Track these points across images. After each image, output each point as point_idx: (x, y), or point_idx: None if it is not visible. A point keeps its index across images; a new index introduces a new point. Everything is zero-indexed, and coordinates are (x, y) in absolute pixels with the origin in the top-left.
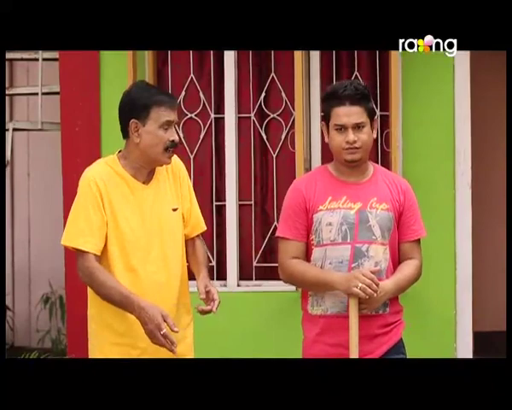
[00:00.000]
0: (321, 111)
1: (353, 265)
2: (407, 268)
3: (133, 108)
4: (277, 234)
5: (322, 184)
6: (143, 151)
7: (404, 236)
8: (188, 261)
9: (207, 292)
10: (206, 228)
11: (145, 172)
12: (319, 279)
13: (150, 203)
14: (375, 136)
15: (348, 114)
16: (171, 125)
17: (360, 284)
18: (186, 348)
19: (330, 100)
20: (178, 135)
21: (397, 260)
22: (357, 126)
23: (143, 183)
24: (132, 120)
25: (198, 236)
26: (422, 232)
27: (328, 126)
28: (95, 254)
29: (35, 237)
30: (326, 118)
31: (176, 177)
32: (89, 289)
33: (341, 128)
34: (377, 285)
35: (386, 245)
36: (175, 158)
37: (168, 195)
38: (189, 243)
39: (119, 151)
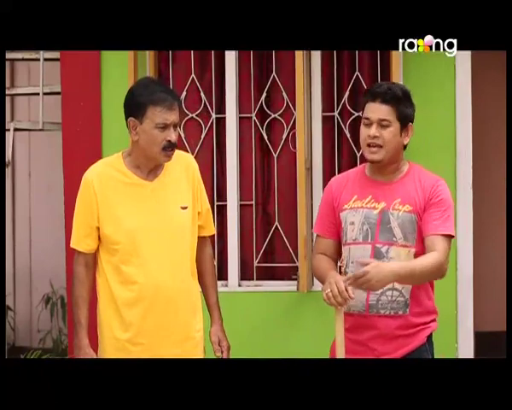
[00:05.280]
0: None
1: None
2: (421, 258)
3: (131, 106)
4: (313, 229)
5: (353, 182)
6: (142, 149)
7: (426, 230)
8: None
9: (219, 344)
10: (214, 232)
11: (146, 169)
12: (323, 277)
13: (154, 200)
14: (405, 142)
15: (375, 109)
16: (168, 127)
17: (328, 290)
18: (189, 349)
19: (366, 97)
20: (179, 134)
21: None
22: (382, 124)
23: (148, 180)
24: (130, 118)
25: (208, 242)
26: (446, 230)
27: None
28: (88, 253)
29: (36, 237)
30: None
31: (189, 175)
32: (97, 284)
33: (368, 123)
34: (346, 299)
35: (411, 247)
36: (190, 157)
37: (178, 192)
38: (198, 242)
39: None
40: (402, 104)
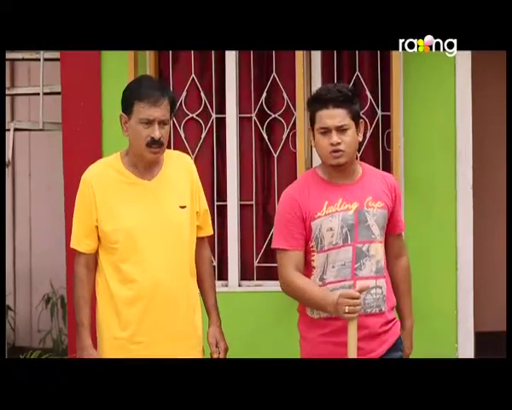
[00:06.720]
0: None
1: (356, 266)
2: (407, 285)
3: (122, 102)
4: (275, 245)
5: (316, 189)
6: (131, 146)
7: (394, 229)
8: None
9: (216, 345)
10: (212, 232)
11: (142, 167)
12: (315, 302)
13: (153, 199)
14: (360, 138)
15: (331, 116)
16: (152, 123)
17: (347, 308)
18: (188, 348)
19: (314, 104)
20: (180, 134)
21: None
22: (341, 129)
23: (146, 179)
24: (121, 114)
25: (206, 243)
26: (404, 226)
27: (313, 131)
28: (89, 254)
29: (36, 238)
30: (311, 122)
31: (188, 175)
32: (97, 283)
33: (325, 131)
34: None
35: (382, 242)
36: (188, 158)
37: (176, 191)
38: (197, 243)
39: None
40: (353, 103)
